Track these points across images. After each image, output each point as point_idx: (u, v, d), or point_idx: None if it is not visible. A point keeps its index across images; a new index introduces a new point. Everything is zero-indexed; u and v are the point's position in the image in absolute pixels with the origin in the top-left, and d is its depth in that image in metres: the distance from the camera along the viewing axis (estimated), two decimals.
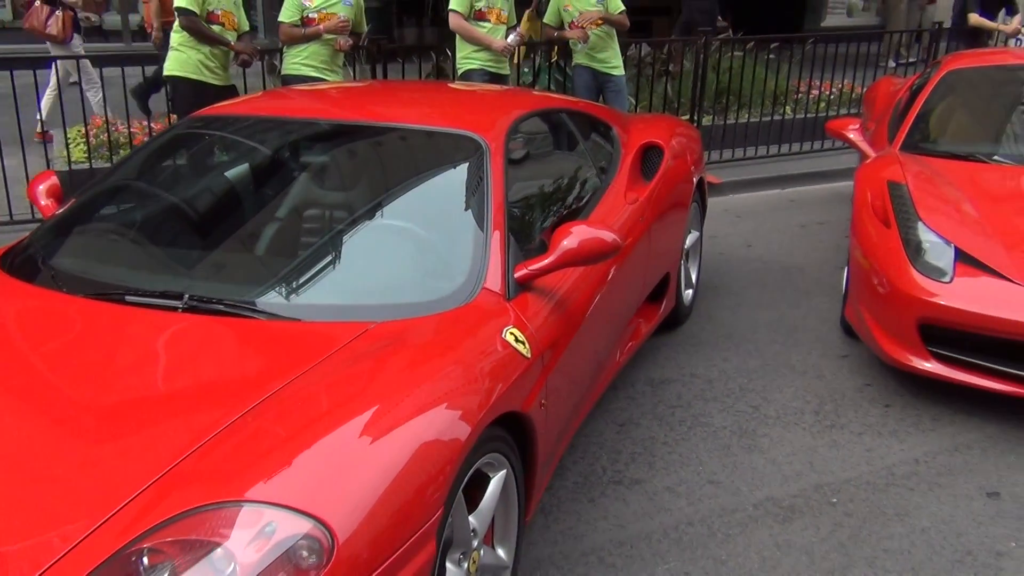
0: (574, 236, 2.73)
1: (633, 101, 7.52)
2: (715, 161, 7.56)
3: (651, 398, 3.88)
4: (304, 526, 1.75)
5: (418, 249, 2.76)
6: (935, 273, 3.68)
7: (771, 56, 8.26)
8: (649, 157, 4.15)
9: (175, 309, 2.43)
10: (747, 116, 8.09)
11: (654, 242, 3.86)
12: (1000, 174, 4.38)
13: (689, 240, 4.59)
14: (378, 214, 2.91)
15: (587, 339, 3.06)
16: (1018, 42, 8.94)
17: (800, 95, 8.50)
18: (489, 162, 2.95)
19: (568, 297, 2.90)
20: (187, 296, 2.45)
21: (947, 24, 9.13)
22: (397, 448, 2.00)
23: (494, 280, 2.62)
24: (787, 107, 8.34)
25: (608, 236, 2.76)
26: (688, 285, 4.68)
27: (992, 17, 8.72)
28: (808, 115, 8.14)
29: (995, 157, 4.52)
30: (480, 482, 2.31)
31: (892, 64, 10.42)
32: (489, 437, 2.27)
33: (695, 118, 7.50)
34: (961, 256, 3.69)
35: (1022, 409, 3.70)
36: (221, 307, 2.43)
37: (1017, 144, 4.65)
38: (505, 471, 2.37)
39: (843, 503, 3.16)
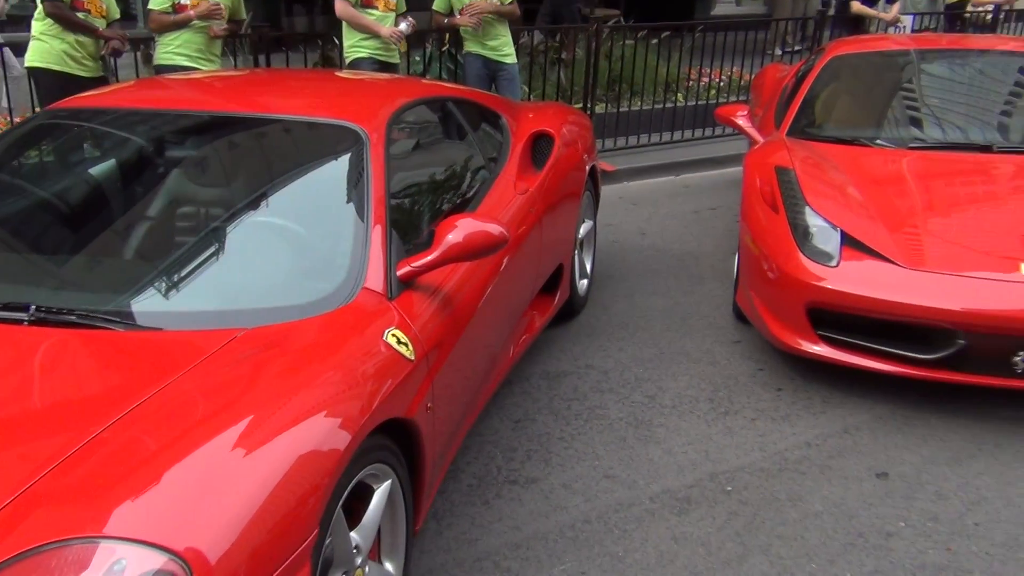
0: (459, 230, 2.62)
1: (526, 89, 7.45)
2: (608, 149, 7.56)
3: (547, 392, 3.81)
4: (157, 561, 1.60)
5: (293, 248, 2.61)
6: (822, 257, 3.71)
7: (662, 44, 8.30)
8: (540, 146, 4.07)
9: (20, 322, 2.22)
10: (639, 104, 8.12)
11: (546, 232, 3.79)
12: (882, 158, 4.46)
13: (583, 229, 4.54)
14: (250, 212, 2.74)
15: (477, 336, 2.96)
16: (898, 29, 9.23)
17: (691, 83, 8.57)
18: (369, 154, 2.81)
19: (456, 293, 2.79)
20: (34, 307, 2.24)
21: (831, 12, 9.35)
22: (270, 463, 1.86)
23: (375, 279, 2.49)
24: (678, 95, 8.40)
25: (495, 229, 2.66)
26: (583, 275, 4.64)
27: (872, 5, 8.97)
28: (699, 102, 8.22)
29: (877, 141, 4.61)
30: (364, 494, 2.19)
31: (779, 52, 10.62)
32: (371, 446, 2.15)
33: (588, 106, 7.48)
34: (847, 240, 3.73)
35: (908, 389, 3.77)
36: (73, 318, 2.22)
37: (898, 128, 4.75)
38: (390, 481, 2.25)
39: (738, 491, 3.15)
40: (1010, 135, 4.64)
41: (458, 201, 3.36)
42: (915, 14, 9.41)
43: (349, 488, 2.06)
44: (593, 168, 4.66)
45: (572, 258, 4.30)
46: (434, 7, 6.42)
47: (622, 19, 10.98)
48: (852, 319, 3.64)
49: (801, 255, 3.74)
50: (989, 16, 10.11)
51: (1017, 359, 3.43)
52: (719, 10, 13.76)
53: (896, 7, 9.06)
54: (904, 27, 9.17)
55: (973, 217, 3.95)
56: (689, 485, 3.18)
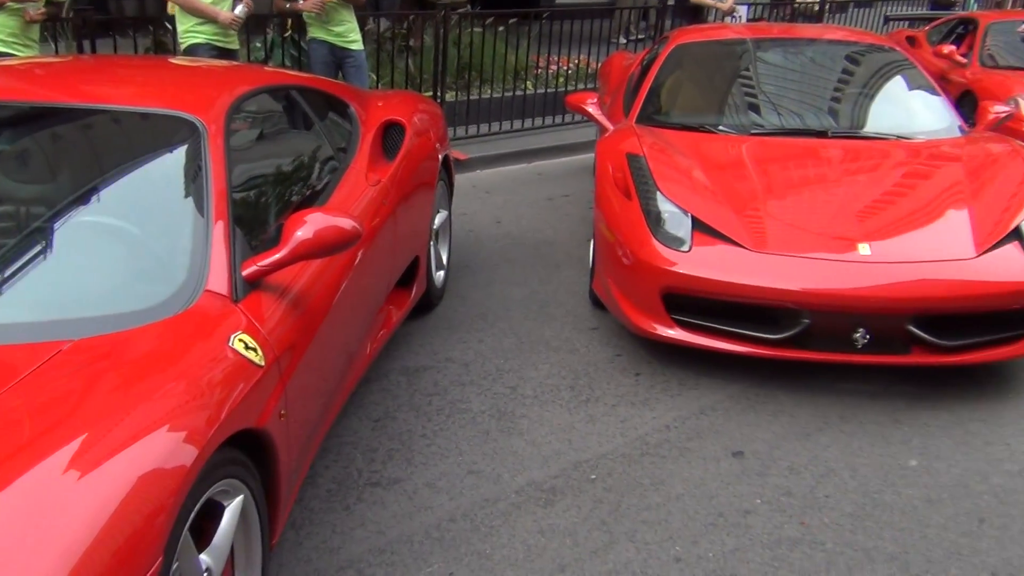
0: (309, 225, 2.49)
1: (374, 78, 7.28)
2: (460, 137, 7.51)
3: (407, 388, 3.72)
4: None
5: (125, 250, 2.40)
6: (675, 243, 3.77)
7: (509, 32, 8.29)
8: (391, 136, 3.96)
9: None
10: (490, 92, 8.10)
11: (400, 224, 3.68)
12: (725, 143, 4.59)
13: (438, 220, 4.47)
14: (75, 211, 2.51)
15: (332, 335, 2.83)
16: (734, 19, 9.59)
17: (540, 70, 8.61)
18: (207, 146, 2.63)
19: (307, 292, 2.65)
20: None
21: (671, 1, 9.60)
22: (107, 486, 1.70)
23: (218, 280, 2.33)
24: (528, 82, 8.43)
25: (347, 223, 2.54)
26: (439, 266, 4.56)
27: None
28: (548, 90, 8.28)
29: (720, 127, 4.73)
30: (214, 512, 2.04)
31: (623, 40, 10.85)
32: (221, 461, 2.00)
33: (438, 94, 7.39)
34: (697, 225, 3.81)
35: (759, 368, 3.89)
36: None
37: (739, 114, 4.90)
38: (242, 496, 2.11)
39: (602, 478, 3.16)
40: (841, 120, 4.86)
41: (307, 194, 3.21)
42: (749, 3, 9.80)
43: (197, 508, 1.91)
44: (446, 157, 4.58)
45: (428, 250, 4.22)
46: None
47: (470, 6, 10.93)
48: (705, 302, 3.72)
49: (655, 241, 3.79)
50: (816, 7, 10.65)
51: (857, 335, 3.59)
52: None
53: None
54: (740, 16, 9.54)
55: (812, 200, 4.10)
56: (554, 476, 3.17)
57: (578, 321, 4.43)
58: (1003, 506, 3.08)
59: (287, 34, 6.95)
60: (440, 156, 4.43)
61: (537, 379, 3.86)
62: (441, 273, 4.59)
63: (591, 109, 5.03)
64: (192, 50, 5.53)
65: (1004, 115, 4.88)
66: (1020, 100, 7.16)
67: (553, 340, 4.23)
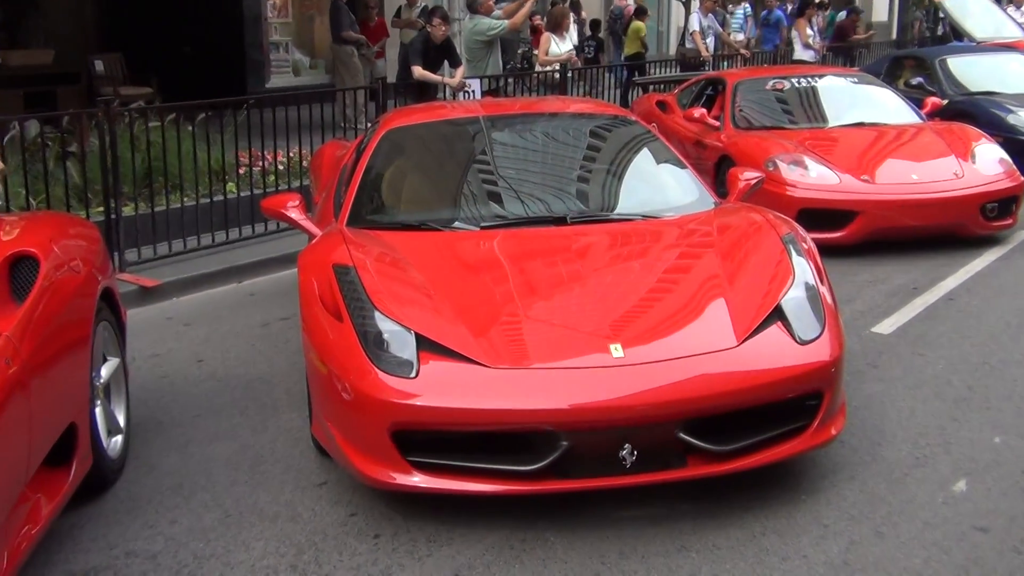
0: None
1: (26, 197, 6.81)
2: (148, 260, 7.27)
3: None
4: None
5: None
6: (400, 368, 3.67)
7: (206, 125, 8.08)
8: (20, 272, 3.62)
9: None
10: (183, 199, 7.84)
11: (38, 387, 3.33)
12: (451, 242, 4.61)
13: (105, 371, 4.19)
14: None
15: None
16: (468, 95, 9.89)
17: (244, 169, 8.47)
18: None
19: None
20: None
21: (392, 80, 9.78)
22: None
23: None
24: (230, 184, 8.22)
25: None
26: (114, 431, 4.24)
27: (435, 70, 9.53)
28: (256, 191, 8.11)
29: (445, 223, 4.75)
30: None
31: (345, 125, 10.90)
32: None
33: (111, 208, 7.00)
34: (423, 343, 3.72)
35: (524, 508, 3.80)
36: None
37: (464, 207, 4.95)
38: None
39: None
40: (589, 203, 5.03)
41: None
42: (482, 77, 10.17)
43: None
44: (109, 290, 4.29)
45: (90, 413, 3.87)
46: None
47: (156, 99, 10.64)
48: (445, 437, 3.64)
49: (376, 369, 3.67)
50: (557, 75, 11.23)
51: (623, 452, 3.59)
52: (276, 82, 13.91)
53: (460, 71, 9.70)
54: (473, 91, 9.86)
55: (558, 301, 4.15)
56: None
57: (301, 478, 4.21)
58: None
59: None
60: (99, 289, 4.12)
61: (249, 562, 3.59)
62: (118, 439, 4.26)
63: (293, 214, 4.91)
64: None
65: (755, 181, 5.22)
66: (779, 162, 7.81)
67: (269, 507, 3.97)
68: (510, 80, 11.25)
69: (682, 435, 3.62)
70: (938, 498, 3.93)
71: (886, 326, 6.00)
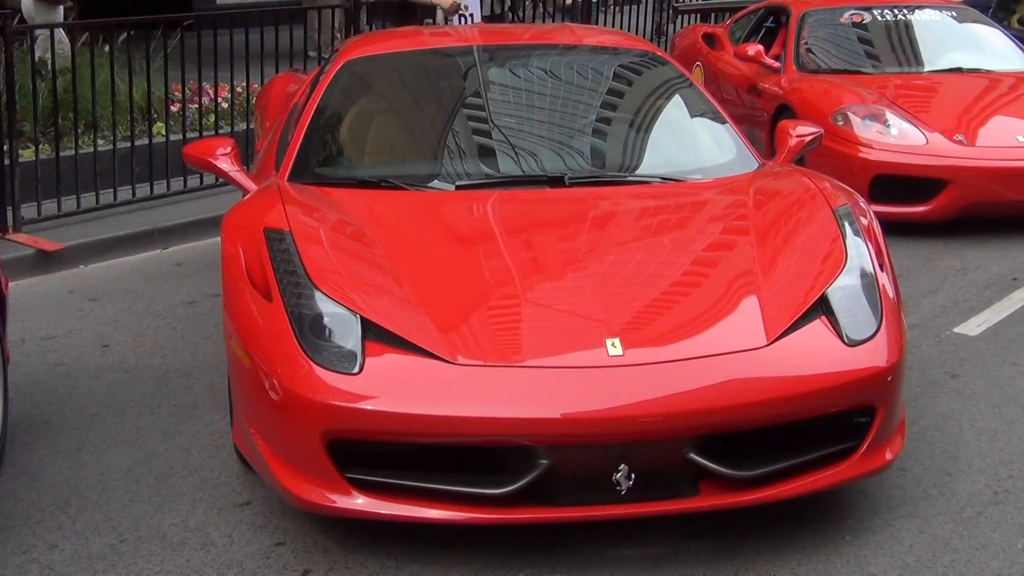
0: None
1: None
2: (49, 217, 7.36)
3: None
4: None
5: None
6: (340, 362, 3.69)
7: (129, 49, 8.13)
8: None
9: None
10: (96, 142, 7.89)
11: None
12: (416, 203, 4.66)
13: None
14: None
15: None
16: (464, 19, 9.89)
17: (177, 107, 8.50)
18: None
19: None
20: None
21: None
22: None
23: None
24: (158, 126, 8.25)
25: None
26: None
27: None
28: (191, 135, 8.17)
29: (410, 180, 4.78)
30: None
31: (312, 54, 10.91)
32: None
33: (5, 151, 7.05)
34: (371, 331, 3.74)
35: (494, 540, 3.82)
36: None
37: (436, 161, 5.00)
38: None
39: None
40: (587, 161, 5.07)
41: None
42: None
43: None
44: None
45: None
46: None
47: (73, 14, 10.66)
48: (393, 450, 3.67)
49: (311, 362, 3.70)
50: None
51: (618, 475, 3.60)
52: None
53: None
54: (471, 15, 9.85)
55: (543, 286, 4.19)
56: None
57: (219, 496, 4.27)
58: None
59: None
60: None
61: None
62: None
63: (222, 164, 4.94)
64: None
65: (810, 138, 5.20)
66: (851, 115, 7.79)
67: (175, 532, 4.04)
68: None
69: (693, 456, 3.64)
70: (1017, 544, 3.94)
71: (972, 326, 6.01)
